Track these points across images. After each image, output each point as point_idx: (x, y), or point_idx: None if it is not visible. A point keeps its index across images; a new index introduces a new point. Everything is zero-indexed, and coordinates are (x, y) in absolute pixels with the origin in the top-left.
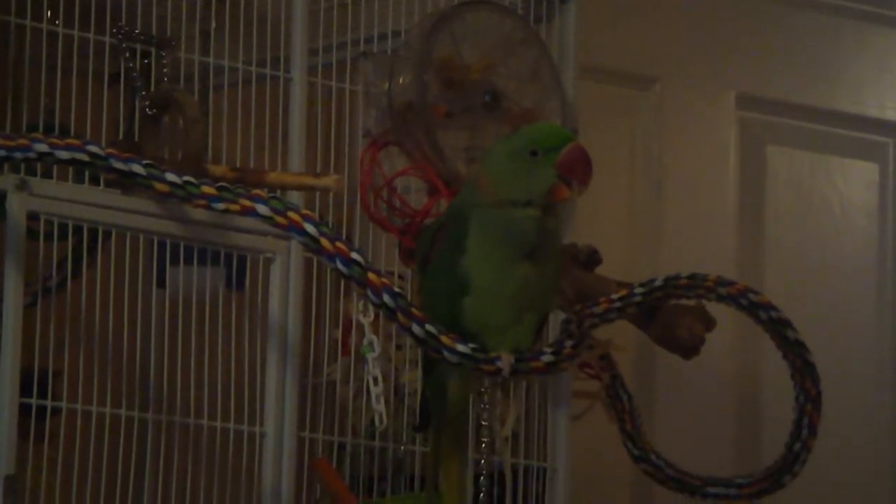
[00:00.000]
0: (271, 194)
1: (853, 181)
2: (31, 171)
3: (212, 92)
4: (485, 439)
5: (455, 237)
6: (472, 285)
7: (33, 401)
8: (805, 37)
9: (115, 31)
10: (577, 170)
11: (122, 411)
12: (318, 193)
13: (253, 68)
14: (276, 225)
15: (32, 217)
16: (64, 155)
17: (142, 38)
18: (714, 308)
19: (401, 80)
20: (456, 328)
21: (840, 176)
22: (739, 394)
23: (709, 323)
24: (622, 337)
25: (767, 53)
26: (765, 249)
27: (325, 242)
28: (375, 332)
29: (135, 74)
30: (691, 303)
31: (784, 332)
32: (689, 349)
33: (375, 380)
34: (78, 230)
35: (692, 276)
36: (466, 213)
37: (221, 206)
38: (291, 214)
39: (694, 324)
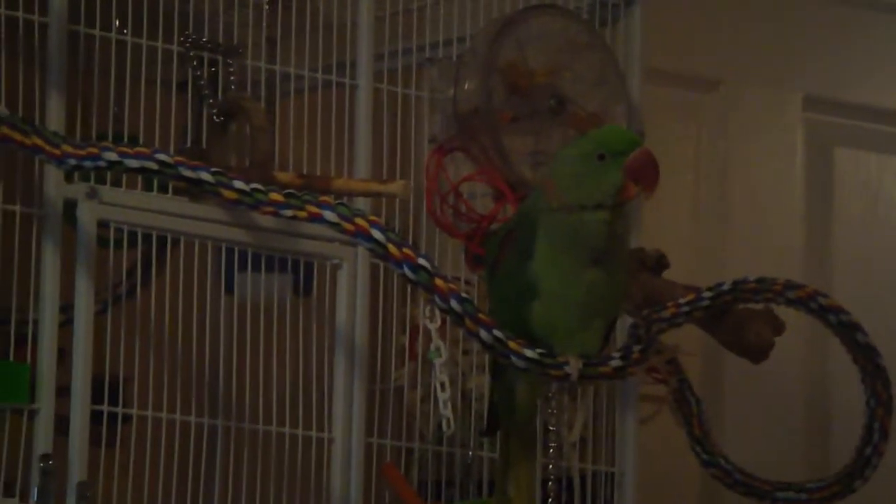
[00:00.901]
0: (338, 201)
1: None
2: (101, 180)
3: (278, 99)
4: (553, 444)
5: (523, 242)
6: (541, 290)
7: (104, 408)
8: (872, 37)
9: (182, 39)
10: (645, 174)
11: (192, 417)
12: (384, 199)
13: (319, 75)
14: (343, 231)
15: (102, 225)
16: (133, 163)
17: (209, 46)
18: (783, 312)
19: (466, 86)
20: (524, 333)
21: None
22: (809, 398)
23: (778, 327)
24: (690, 341)
25: (834, 55)
26: (832, 253)
27: (392, 248)
28: (442, 338)
29: (202, 82)
30: (760, 307)
31: (854, 336)
32: (757, 353)
33: (443, 385)
34: (147, 238)
35: (760, 280)
36: (534, 218)
37: (289, 212)
38: (358, 220)
39: (763, 328)
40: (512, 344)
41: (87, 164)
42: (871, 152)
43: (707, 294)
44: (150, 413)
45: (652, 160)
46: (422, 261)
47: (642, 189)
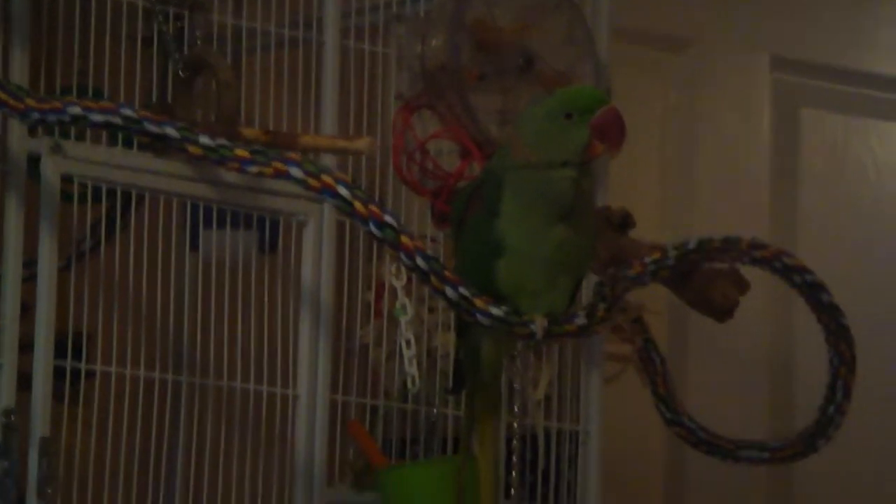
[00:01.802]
0: (304, 157)
1: (888, 144)
2: (65, 135)
3: (245, 55)
4: (518, 402)
5: (490, 200)
6: (507, 248)
7: (67, 363)
8: None
9: None
10: (611, 132)
11: (156, 374)
12: (350, 157)
13: (286, 31)
14: (309, 188)
15: (66, 180)
16: (97, 118)
17: (175, 0)
18: (748, 271)
19: (433, 43)
20: (490, 291)
21: (875, 138)
22: (773, 357)
23: (743, 286)
24: (655, 300)
25: (802, 15)
26: (798, 213)
27: (358, 205)
28: (408, 295)
29: (168, 37)
30: (725, 266)
31: (818, 296)
32: (722, 312)
33: (408, 342)
34: (111, 193)
35: (726, 239)
36: (501, 176)
37: (254, 168)
38: (324, 177)
39: (728, 287)
40: (478, 302)
41: (51, 118)
42: (838, 113)
43: (673, 253)
44: (113, 369)
45: (618, 118)
46: (388, 218)
47: (608, 147)
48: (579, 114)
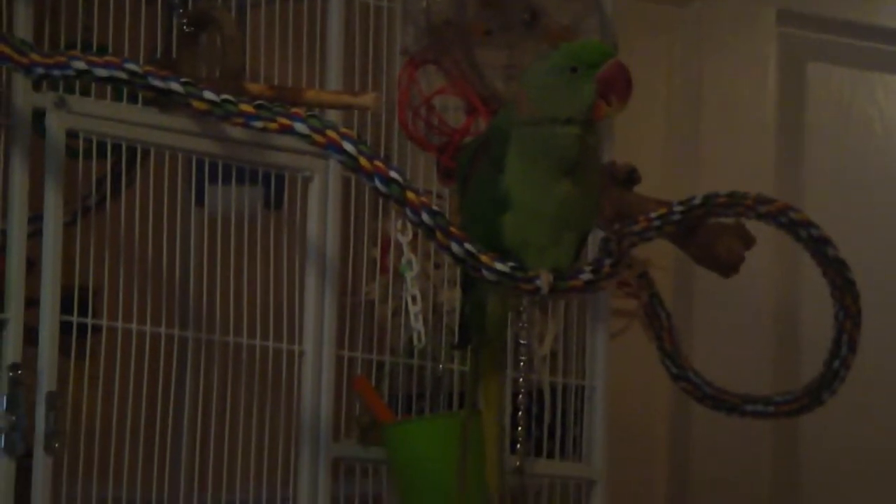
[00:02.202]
0: (309, 112)
1: (894, 98)
2: (70, 90)
3: (249, 9)
4: (523, 358)
5: (495, 155)
6: (512, 203)
7: (74, 318)
8: None
9: None
10: (617, 86)
11: (162, 329)
12: (356, 112)
13: None
14: (315, 143)
15: (71, 135)
16: (102, 72)
17: None
18: (754, 226)
19: None
20: (495, 247)
21: (882, 92)
22: (779, 312)
23: (748, 241)
24: (661, 256)
25: None
26: (804, 167)
27: (363, 161)
28: (414, 252)
29: None
30: (731, 221)
31: (824, 250)
32: (728, 267)
33: (414, 298)
34: (117, 148)
35: (731, 194)
36: (506, 131)
37: (259, 124)
38: (330, 133)
39: (733, 242)
40: (483, 257)
41: (56, 72)
42: (844, 67)
43: (678, 208)
44: (119, 324)
45: (624, 72)
46: (393, 174)
47: (615, 101)
48: (585, 68)
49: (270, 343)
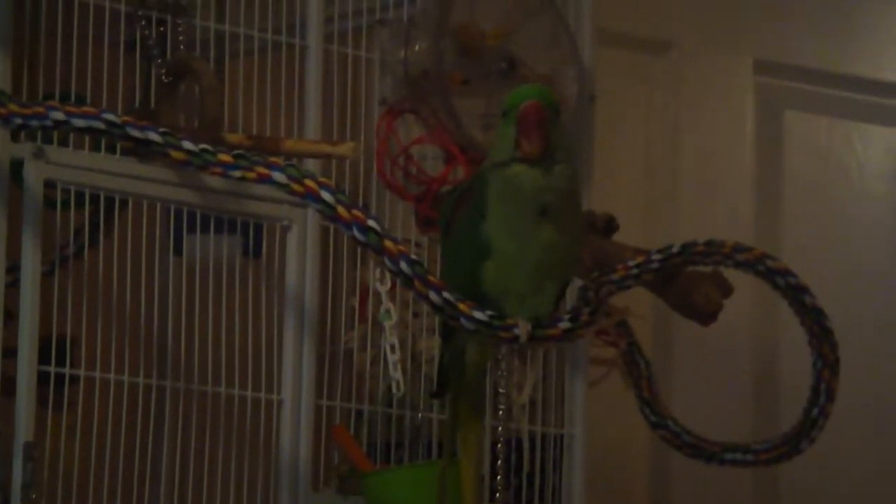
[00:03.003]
0: (287, 162)
1: (871, 146)
2: (48, 140)
3: (228, 59)
4: (502, 406)
5: (477, 202)
6: (494, 250)
7: (52, 369)
8: (821, 2)
9: None
10: (523, 126)
11: (140, 379)
12: (334, 161)
13: (269, 35)
14: (293, 193)
15: (49, 185)
16: (80, 123)
17: (157, 5)
18: (732, 274)
19: (417, 48)
20: (476, 294)
21: (858, 141)
22: (757, 360)
23: (726, 289)
24: (639, 304)
25: (785, 18)
26: (782, 215)
27: (341, 210)
28: (392, 300)
29: (151, 42)
30: (709, 269)
31: (801, 299)
32: (706, 316)
33: (392, 347)
34: (95, 198)
35: (709, 243)
36: (486, 178)
37: (238, 173)
38: (308, 182)
39: (711, 290)
40: (461, 306)
41: (34, 123)
42: (821, 115)
43: (656, 256)
44: (97, 374)
45: (534, 113)
46: (371, 222)
47: (524, 141)
48: (511, 111)
49: (249, 392)
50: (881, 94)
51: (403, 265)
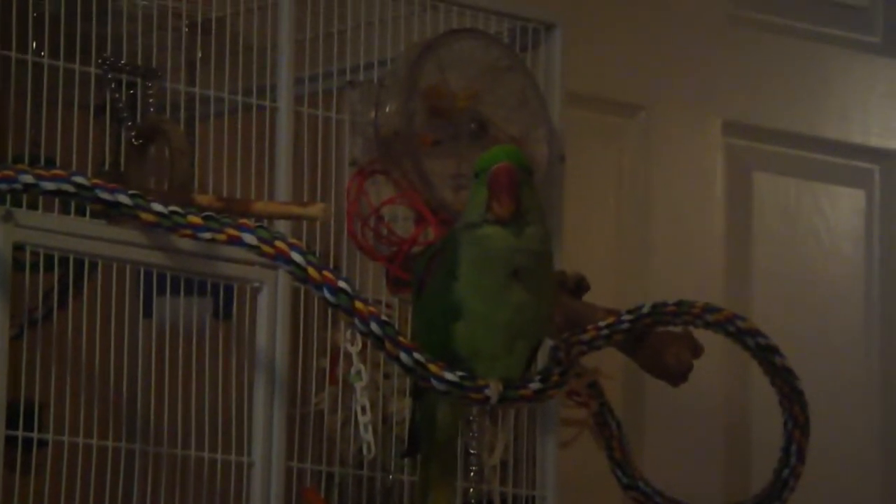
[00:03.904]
0: (258, 223)
1: (839, 207)
2: (17, 203)
3: (198, 121)
4: (473, 467)
5: (449, 262)
6: (466, 311)
7: (19, 433)
8: (790, 64)
9: (100, 61)
10: (495, 189)
11: (109, 443)
12: (304, 223)
13: (239, 97)
14: (263, 254)
15: (18, 248)
16: (50, 186)
17: (127, 68)
18: (702, 335)
19: (387, 109)
20: (447, 355)
21: (826, 202)
22: (728, 420)
23: (696, 350)
24: (610, 364)
25: (753, 80)
26: (752, 275)
27: (312, 271)
28: (363, 361)
29: (120, 105)
30: (679, 330)
31: (772, 359)
32: (677, 376)
33: (363, 409)
34: (64, 261)
35: (679, 303)
36: (458, 239)
37: (208, 235)
38: (278, 243)
39: (682, 351)
40: (432, 367)
41: (3, 186)
42: (790, 176)
43: (627, 317)
44: (66, 438)
45: (504, 176)
46: (342, 284)
47: (495, 203)
48: (482, 173)
49: (219, 455)
50: (848, 157)
51: (374, 326)
